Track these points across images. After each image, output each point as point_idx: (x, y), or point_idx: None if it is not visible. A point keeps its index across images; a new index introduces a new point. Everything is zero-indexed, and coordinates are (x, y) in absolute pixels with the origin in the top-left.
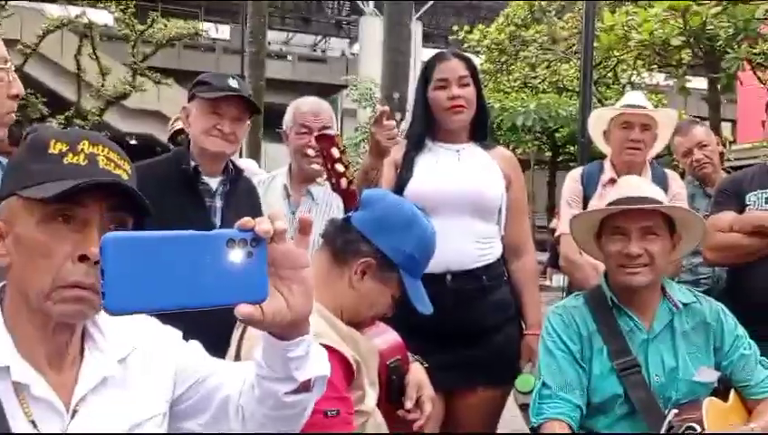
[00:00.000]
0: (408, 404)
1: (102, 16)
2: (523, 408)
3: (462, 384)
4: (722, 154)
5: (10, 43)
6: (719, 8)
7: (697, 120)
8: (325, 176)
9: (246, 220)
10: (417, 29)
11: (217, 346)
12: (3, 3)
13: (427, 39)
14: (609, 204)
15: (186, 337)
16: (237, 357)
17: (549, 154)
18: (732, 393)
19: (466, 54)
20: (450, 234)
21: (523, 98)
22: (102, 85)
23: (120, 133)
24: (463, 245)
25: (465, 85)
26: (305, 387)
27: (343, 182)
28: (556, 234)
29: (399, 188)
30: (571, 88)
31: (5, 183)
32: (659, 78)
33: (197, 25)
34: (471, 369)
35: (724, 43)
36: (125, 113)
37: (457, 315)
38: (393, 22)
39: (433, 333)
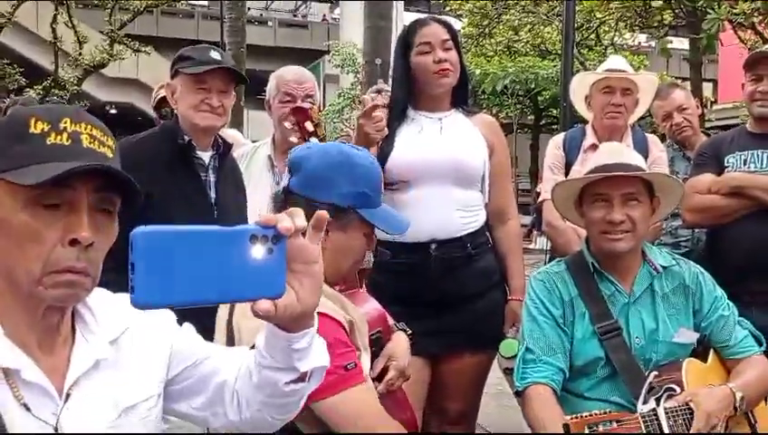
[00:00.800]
0: (371, 374)
1: None
2: (507, 372)
3: (447, 350)
4: (702, 116)
5: None
6: None
7: (677, 83)
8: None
9: (268, 217)
10: None
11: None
12: None
13: (409, 3)
14: (590, 171)
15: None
16: (230, 342)
17: (532, 117)
18: (711, 354)
19: (446, 19)
20: (434, 203)
21: (503, 62)
22: (80, 54)
23: (100, 103)
24: (447, 213)
25: (449, 49)
26: (304, 376)
27: None
28: (539, 199)
29: (382, 160)
30: (553, 51)
31: None
32: (641, 39)
33: None
34: (456, 334)
35: (704, 3)
36: (104, 82)
37: (442, 283)
38: None
39: (418, 300)
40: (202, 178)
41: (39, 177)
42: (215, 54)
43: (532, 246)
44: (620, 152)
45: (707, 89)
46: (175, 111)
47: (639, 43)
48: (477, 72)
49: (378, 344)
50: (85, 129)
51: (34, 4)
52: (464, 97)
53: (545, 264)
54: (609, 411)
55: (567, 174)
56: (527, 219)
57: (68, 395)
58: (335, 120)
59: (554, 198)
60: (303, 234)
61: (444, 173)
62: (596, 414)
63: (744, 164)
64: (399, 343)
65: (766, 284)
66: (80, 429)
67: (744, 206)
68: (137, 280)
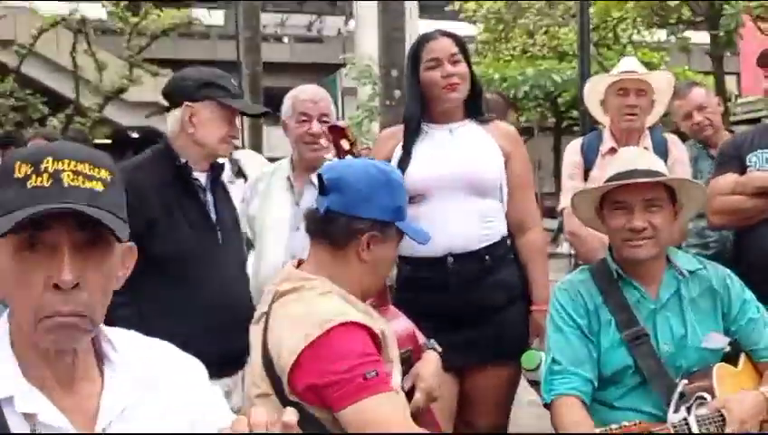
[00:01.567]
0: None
1: (95, 11)
2: (533, 384)
3: (472, 364)
4: (726, 111)
5: (5, 45)
6: None
7: (697, 81)
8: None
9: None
10: (412, 3)
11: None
12: None
13: (423, 12)
14: (609, 178)
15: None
16: (265, 352)
17: (553, 120)
18: (742, 357)
19: (453, 32)
20: (450, 215)
21: (520, 66)
22: (100, 80)
23: (122, 127)
24: (464, 225)
25: (458, 62)
26: None
27: None
28: (559, 207)
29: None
30: (571, 52)
31: None
32: (661, 35)
33: (190, 13)
34: (479, 348)
35: None
36: (125, 107)
37: (462, 296)
38: None
39: (440, 314)
40: (202, 200)
41: (9, 224)
42: (237, 90)
43: (558, 250)
44: (638, 158)
45: (731, 82)
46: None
47: (659, 39)
48: (497, 76)
49: (407, 363)
50: (68, 165)
51: (54, 34)
52: (477, 107)
53: (571, 268)
54: (640, 422)
55: (586, 179)
56: (553, 223)
57: None
58: (355, 132)
59: (575, 207)
60: None
61: (458, 184)
62: (625, 426)
63: (767, 162)
64: (429, 362)
65: None
66: None
67: None
68: None
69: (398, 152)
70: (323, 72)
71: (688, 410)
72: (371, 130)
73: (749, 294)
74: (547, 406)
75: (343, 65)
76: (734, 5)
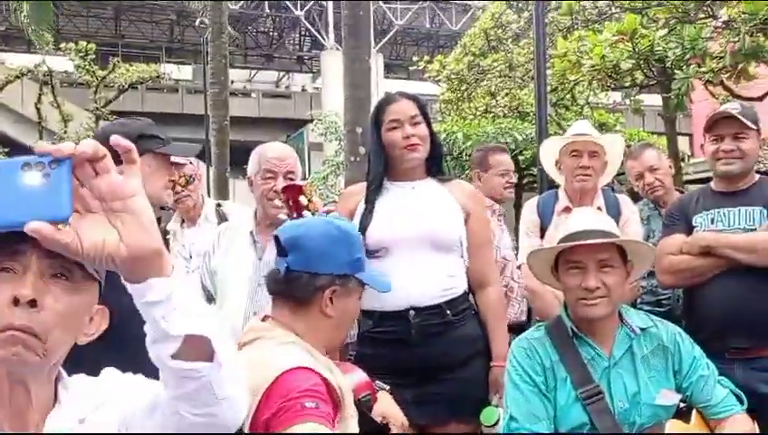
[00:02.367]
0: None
1: (62, 63)
2: None
3: (432, 420)
4: (679, 170)
5: None
6: (666, 29)
7: (650, 142)
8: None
9: (42, 145)
10: (377, 61)
11: None
12: None
13: (389, 70)
14: (563, 238)
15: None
16: None
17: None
18: (694, 413)
19: (414, 94)
20: (411, 271)
21: (483, 125)
22: (65, 132)
23: None
24: (425, 280)
25: (417, 124)
26: (203, 354)
27: None
28: (516, 263)
29: (362, 230)
30: (531, 112)
31: None
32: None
33: (159, 68)
34: (440, 404)
35: (673, 63)
36: None
37: (423, 351)
38: (352, 58)
39: (401, 369)
40: None
41: None
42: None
43: None
44: (591, 218)
45: (684, 143)
46: None
47: (615, 101)
48: (460, 135)
49: (367, 406)
50: None
51: (20, 85)
52: (437, 166)
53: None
54: None
55: (542, 237)
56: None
57: None
58: (320, 187)
59: (530, 265)
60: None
61: (419, 240)
62: None
63: (712, 223)
64: (386, 401)
65: (745, 340)
66: None
67: (716, 265)
68: None
69: (361, 208)
70: (291, 127)
71: None
72: (337, 184)
73: (698, 351)
74: None
75: (310, 121)
76: (685, 71)
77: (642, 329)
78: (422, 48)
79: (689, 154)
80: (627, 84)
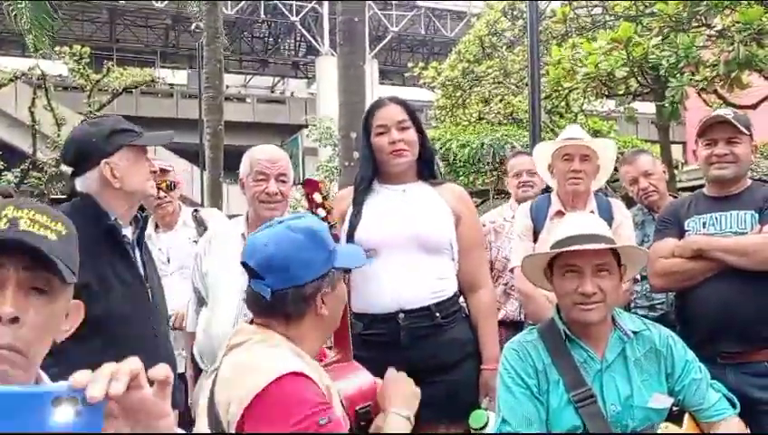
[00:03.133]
0: None
1: (56, 67)
2: None
3: (422, 423)
4: (672, 178)
5: None
6: (660, 38)
7: (644, 148)
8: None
9: (79, 378)
10: (373, 67)
11: None
12: None
13: (384, 76)
14: (558, 242)
15: None
16: (211, 405)
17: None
18: (686, 417)
19: (404, 99)
20: (400, 273)
21: (479, 131)
22: (58, 136)
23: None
24: (414, 283)
25: (405, 129)
26: None
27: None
28: (509, 266)
29: (350, 231)
30: (525, 119)
31: None
32: (610, 104)
33: (153, 72)
34: (430, 407)
35: (666, 72)
36: None
37: (413, 353)
38: (347, 63)
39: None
40: (131, 257)
41: None
42: (130, 123)
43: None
44: (587, 222)
45: (677, 150)
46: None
47: (610, 109)
48: (454, 142)
49: (365, 418)
50: (27, 214)
51: (13, 88)
52: (429, 169)
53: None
54: None
55: (535, 241)
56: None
57: None
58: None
59: (524, 268)
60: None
61: (409, 242)
62: None
63: (704, 227)
64: (392, 423)
65: (737, 344)
66: None
67: (708, 268)
68: None
69: (351, 210)
70: (285, 133)
71: None
72: (331, 189)
73: (691, 355)
74: None
75: (305, 126)
76: (679, 79)
77: (635, 332)
78: (417, 54)
79: (683, 162)
80: (621, 92)
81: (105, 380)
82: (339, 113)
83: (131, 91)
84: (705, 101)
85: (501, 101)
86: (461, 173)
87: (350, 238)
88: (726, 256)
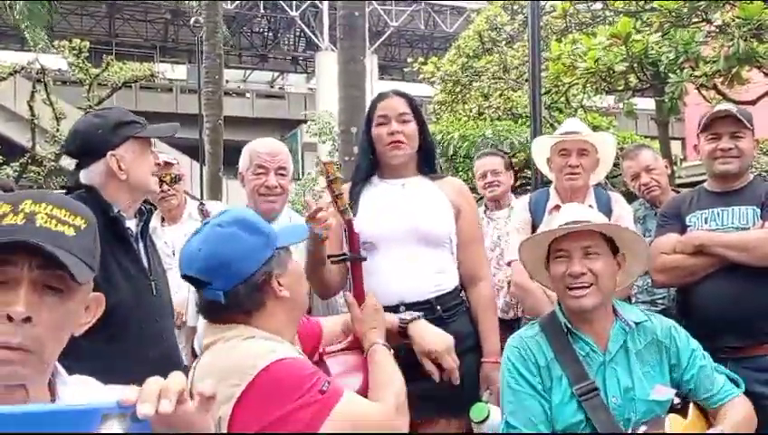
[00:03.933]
0: None
1: (56, 61)
2: None
3: (422, 417)
4: (672, 174)
5: None
6: (660, 33)
7: (645, 144)
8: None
9: (128, 395)
10: (372, 62)
11: None
12: None
13: (383, 71)
14: (550, 230)
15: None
16: None
17: None
18: (691, 408)
19: (407, 93)
20: (402, 266)
21: (479, 126)
22: (57, 130)
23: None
24: (414, 276)
25: (406, 121)
26: None
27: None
28: (506, 259)
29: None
30: (524, 114)
31: None
32: (610, 100)
33: (153, 67)
34: (432, 401)
35: (666, 67)
36: None
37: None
38: (347, 58)
39: None
40: (135, 250)
41: None
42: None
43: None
44: (580, 211)
45: (676, 146)
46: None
47: (609, 104)
48: (456, 135)
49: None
50: (44, 209)
51: (12, 82)
52: (428, 163)
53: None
54: None
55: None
56: None
57: None
58: (313, 187)
59: (523, 260)
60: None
61: (407, 236)
62: None
63: (705, 223)
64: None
65: (738, 339)
66: None
67: (710, 263)
68: None
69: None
70: (284, 128)
71: None
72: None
73: (695, 343)
74: None
75: (304, 121)
76: (679, 75)
77: (636, 323)
78: (416, 50)
79: (681, 158)
80: (620, 88)
81: (154, 397)
82: (339, 108)
83: (131, 86)
84: (704, 97)
85: (500, 96)
86: (460, 168)
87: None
88: (728, 251)
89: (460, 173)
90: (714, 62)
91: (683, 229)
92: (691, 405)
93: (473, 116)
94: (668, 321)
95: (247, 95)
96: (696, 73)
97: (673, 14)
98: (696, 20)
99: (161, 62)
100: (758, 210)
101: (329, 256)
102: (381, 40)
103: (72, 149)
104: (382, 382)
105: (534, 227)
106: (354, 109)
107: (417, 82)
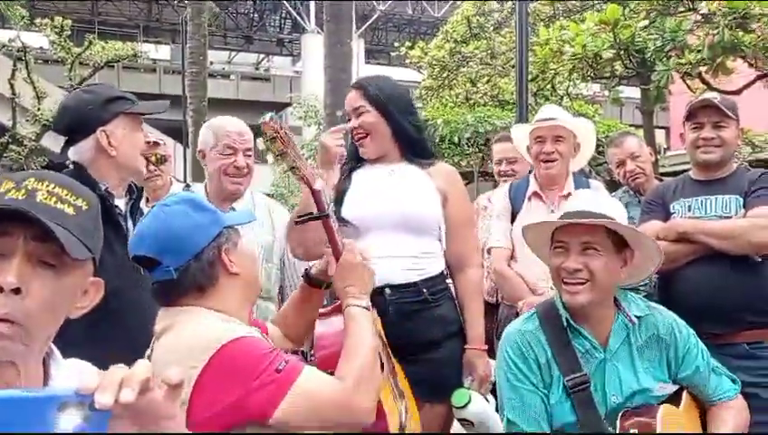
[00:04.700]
0: None
1: (37, 39)
2: (463, 423)
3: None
4: (656, 163)
5: None
6: (647, 21)
7: (630, 131)
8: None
9: (87, 383)
10: (359, 46)
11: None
12: None
13: (370, 55)
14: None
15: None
16: None
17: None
18: (684, 395)
19: (367, 83)
20: (388, 249)
21: (463, 112)
22: (38, 109)
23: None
24: (400, 260)
25: (362, 114)
26: None
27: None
28: (487, 246)
29: (338, 202)
30: (511, 101)
31: None
32: (596, 88)
33: (136, 47)
34: (414, 385)
35: (653, 55)
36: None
37: (399, 329)
38: (333, 41)
39: None
40: (123, 229)
41: None
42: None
43: None
44: (589, 201)
45: (660, 136)
46: (114, 155)
47: (595, 92)
48: (440, 121)
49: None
50: (46, 187)
51: None
52: (412, 149)
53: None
54: None
55: (513, 222)
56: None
57: None
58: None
59: (529, 243)
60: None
61: (392, 222)
62: None
63: (689, 210)
64: None
65: (719, 326)
66: None
67: (692, 251)
68: None
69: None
70: (269, 110)
71: None
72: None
73: (693, 340)
74: None
75: (290, 105)
76: (665, 63)
77: (639, 317)
78: (403, 34)
79: (665, 147)
80: (606, 75)
81: (115, 386)
82: (324, 90)
83: (113, 66)
84: (688, 86)
85: (488, 82)
86: (446, 155)
87: (338, 204)
88: (710, 239)
89: (446, 160)
90: (698, 50)
91: (667, 217)
92: (684, 393)
93: (459, 102)
94: (671, 316)
95: (232, 77)
96: (682, 61)
97: (660, 2)
98: (682, 9)
99: (145, 41)
100: (741, 199)
101: (295, 220)
102: (368, 23)
103: (61, 126)
104: (347, 354)
105: (514, 215)
106: (340, 92)
107: (404, 66)
